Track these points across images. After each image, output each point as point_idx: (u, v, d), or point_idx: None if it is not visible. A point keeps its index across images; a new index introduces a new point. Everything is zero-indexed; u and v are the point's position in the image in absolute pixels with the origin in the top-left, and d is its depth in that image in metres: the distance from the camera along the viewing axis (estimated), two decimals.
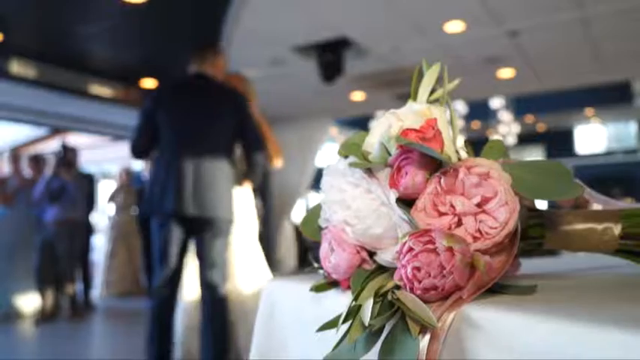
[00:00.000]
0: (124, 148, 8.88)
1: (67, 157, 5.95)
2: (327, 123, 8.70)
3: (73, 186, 5.87)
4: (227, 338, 2.87)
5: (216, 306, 2.85)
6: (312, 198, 11.61)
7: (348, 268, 0.66)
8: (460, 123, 10.64)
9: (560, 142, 16.17)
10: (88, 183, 6.40)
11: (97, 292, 7.12)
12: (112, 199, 7.48)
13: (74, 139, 8.72)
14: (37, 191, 5.84)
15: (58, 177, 5.86)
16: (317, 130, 8.57)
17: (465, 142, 0.69)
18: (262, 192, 8.15)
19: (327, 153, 10.75)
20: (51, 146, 9.84)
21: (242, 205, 3.18)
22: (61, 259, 5.82)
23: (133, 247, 7.34)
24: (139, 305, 6.37)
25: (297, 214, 9.00)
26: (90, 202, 6.42)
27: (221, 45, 3.21)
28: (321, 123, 8.54)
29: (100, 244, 8.01)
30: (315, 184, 9.17)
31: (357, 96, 7.25)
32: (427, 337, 0.51)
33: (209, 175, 2.76)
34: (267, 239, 8.44)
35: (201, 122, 2.84)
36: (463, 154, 0.66)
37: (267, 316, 0.84)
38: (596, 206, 0.73)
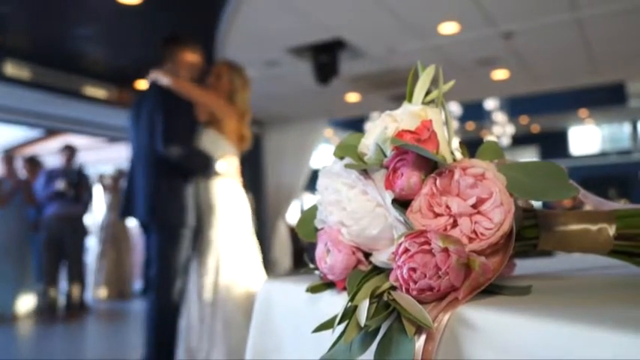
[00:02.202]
0: (119, 150, 8.87)
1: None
2: (322, 124, 8.70)
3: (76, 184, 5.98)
4: (151, 338, 2.87)
5: (150, 304, 2.92)
6: (307, 199, 11.60)
7: (344, 269, 0.66)
8: (454, 124, 10.65)
9: (554, 144, 16.21)
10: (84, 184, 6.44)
11: (89, 293, 7.12)
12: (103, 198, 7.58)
13: (69, 141, 8.69)
14: (39, 187, 5.95)
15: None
16: (312, 132, 8.56)
17: (460, 143, 0.69)
18: (254, 188, 8.14)
19: (322, 154, 10.74)
20: (46, 147, 9.81)
21: (228, 202, 3.03)
22: (69, 256, 5.94)
23: (122, 250, 7.35)
24: (131, 307, 6.37)
25: (292, 215, 9.00)
26: (85, 203, 6.44)
27: (185, 35, 3.06)
28: (316, 124, 8.53)
29: (92, 246, 8.04)
30: (310, 185, 9.17)
31: (352, 97, 7.25)
32: (423, 337, 0.51)
33: (138, 178, 2.86)
34: (262, 240, 8.43)
35: (139, 128, 2.93)
36: (458, 155, 0.67)
37: (263, 317, 0.84)
38: (591, 207, 0.73)
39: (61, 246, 5.92)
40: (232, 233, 3.02)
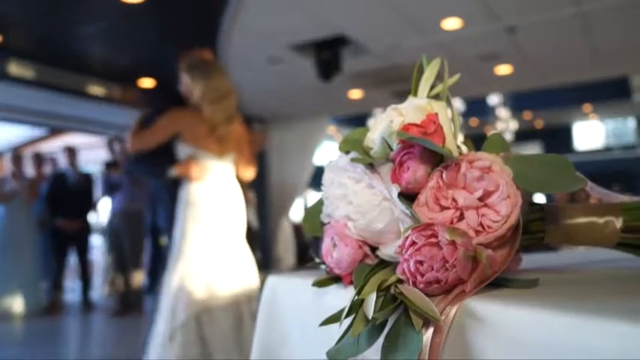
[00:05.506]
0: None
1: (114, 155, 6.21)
2: (325, 121, 8.70)
3: (128, 179, 6.02)
4: None
5: None
6: (311, 196, 11.61)
7: (351, 262, 0.66)
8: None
9: (558, 139, 16.18)
10: (86, 183, 6.44)
11: (97, 290, 7.15)
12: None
13: (73, 139, 8.72)
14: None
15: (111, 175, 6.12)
16: (315, 129, 8.57)
17: (466, 137, 0.69)
18: (257, 185, 8.15)
19: (326, 151, 10.75)
20: (50, 146, 9.84)
21: (190, 204, 2.83)
22: (127, 249, 6.08)
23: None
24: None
25: (296, 212, 9.01)
26: (88, 202, 6.45)
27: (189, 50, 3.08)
28: (319, 121, 8.54)
29: (97, 243, 8.09)
30: (314, 182, 9.17)
31: (355, 94, 7.25)
32: (430, 330, 0.51)
33: None
34: (265, 237, 8.45)
35: None
36: (464, 148, 0.67)
37: (269, 312, 0.84)
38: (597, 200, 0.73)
39: (125, 238, 6.15)
40: (191, 234, 2.82)
